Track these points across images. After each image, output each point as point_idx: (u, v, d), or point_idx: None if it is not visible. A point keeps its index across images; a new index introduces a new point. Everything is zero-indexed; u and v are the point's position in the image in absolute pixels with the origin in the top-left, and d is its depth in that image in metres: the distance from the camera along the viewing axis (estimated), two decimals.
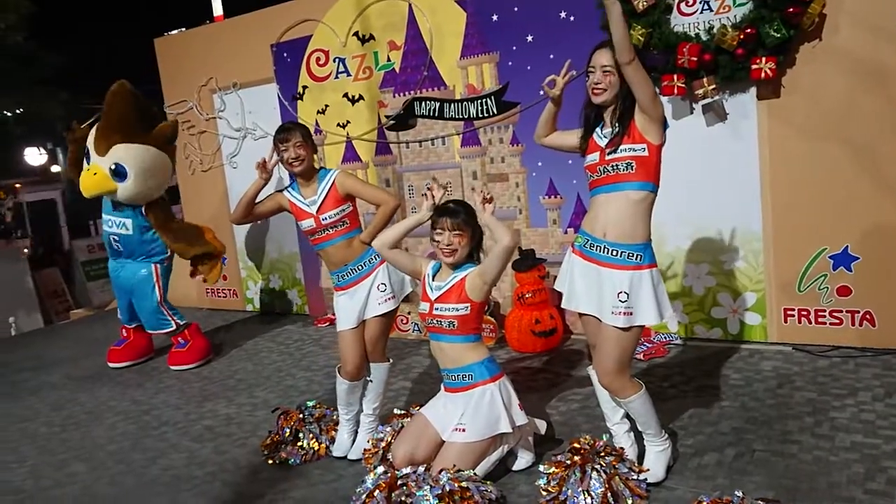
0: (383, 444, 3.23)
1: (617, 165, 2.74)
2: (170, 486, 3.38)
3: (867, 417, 3.26)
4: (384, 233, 3.20)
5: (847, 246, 4.05)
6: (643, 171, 2.73)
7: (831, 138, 3.99)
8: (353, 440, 3.51)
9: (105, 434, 4.15)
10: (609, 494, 2.68)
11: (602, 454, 2.83)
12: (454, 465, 2.84)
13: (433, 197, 3.06)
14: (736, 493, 2.56)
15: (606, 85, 2.74)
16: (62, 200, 17.42)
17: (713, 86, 4.06)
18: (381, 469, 2.92)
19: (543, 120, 3.04)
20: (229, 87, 6.44)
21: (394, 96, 5.54)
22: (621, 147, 2.73)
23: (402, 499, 2.73)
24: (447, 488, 2.69)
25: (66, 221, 17.14)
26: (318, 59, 5.87)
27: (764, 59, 3.90)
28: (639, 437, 2.99)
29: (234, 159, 6.60)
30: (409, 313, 5.35)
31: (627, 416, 2.98)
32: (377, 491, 2.76)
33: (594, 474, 2.73)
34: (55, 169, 19.43)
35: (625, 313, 2.75)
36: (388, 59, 5.51)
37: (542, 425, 3.26)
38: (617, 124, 2.76)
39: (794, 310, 4.26)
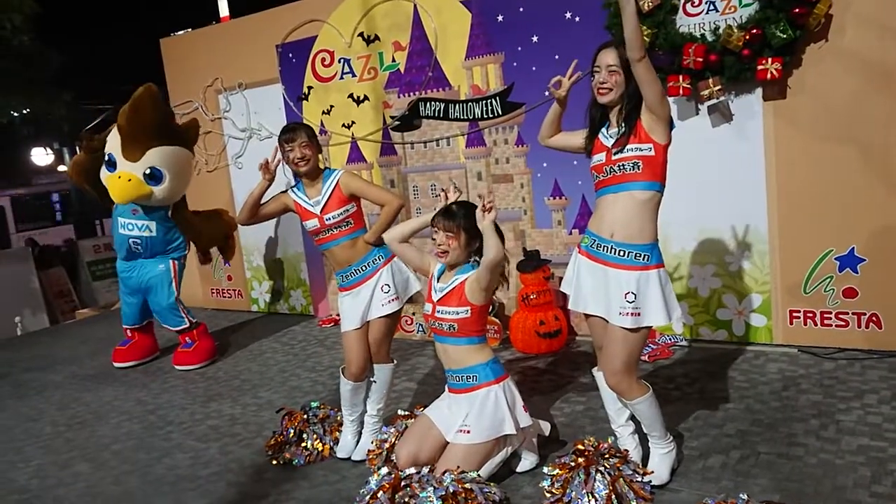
0: (387, 445, 3.23)
1: (623, 165, 2.73)
2: (174, 486, 3.39)
3: (873, 420, 3.25)
4: (395, 227, 3.22)
5: (853, 247, 4.03)
6: (650, 171, 2.72)
7: (837, 139, 3.97)
8: (357, 441, 3.51)
9: (110, 434, 4.16)
10: (613, 496, 2.67)
11: (606, 456, 2.82)
12: (458, 467, 2.84)
13: (447, 198, 3.07)
14: (741, 495, 2.55)
15: (612, 84, 2.74)
16: (11, 207, 16.94)
17: (719, 86, 4.05)
18: (384, 470, 2.92)
19: (548, 121, 3.03)
20: (235, 88, 6.46)
21: (399, 97, 5.54)
22: (627, 147, 2.72)
23: (406, 500, 2.73)
24: (451, 490, 2.69)
25: (16, 229, 16.72)
26: (323, 59, 5.88)
27: (770, 60, 3.88)
28: (643, 439, 2.98)
29: (240, 160, 6.61)
30: (413, 314, 5.35)
31: (632, 418, 2.97)
32: (381, 492, 2.76)
33: (598, 476, 2.72)
34: (61, 168, 19.50)
35: (632, 314, 2.74)
36: (393, 60, 5.51)
37: (546, 427, 3.25)
38: (623, 124, 2.76)
39: (799, 312, 4.25)
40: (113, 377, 5.27)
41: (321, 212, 3.41)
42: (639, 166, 2.71)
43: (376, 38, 5.55)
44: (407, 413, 3.45)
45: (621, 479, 2.73)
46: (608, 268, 2.79)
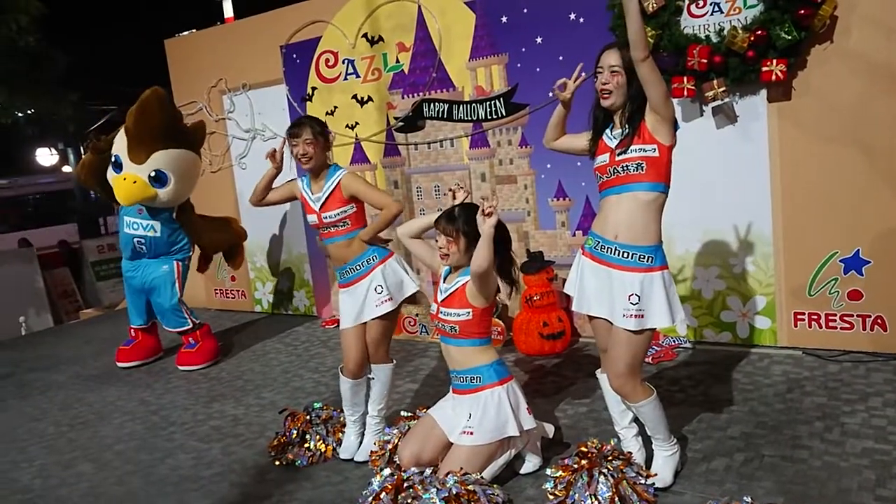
0: (390, 446, 3.23)
1: (627, 166, 2.72)
2: (177, 487, 3.39)
3: (878, 423, 3.23)
4: (409, 223, 3.27)
5: (858, 249, 4.02)
6: (654, 172, 2.71)
7: (842, 141, 3.96)
8: (360, 442, 3.51)
9: (113, 434, 4.16)
10: (617, 499, 2.66)
11: (610, 458, 2.81)
12: (461, 468, 2.84)
13: (454, 198, 3.08)
14: (745, 498, 2.54)
15: (614, 86, 2.73)
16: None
17: (723, 88, 4.04)
18: (387, 471, 2.91)
19: (553, 123, 3.02)
20: (239, 89, 6.47)
21: (402, 98, 5.54)
22: (631, 148, 2.72)
23: (409, 501, 2.72)
24: (454, 491, 2.69)
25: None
26: (327, 60, 5.88)
27: (774, 62, 3.87)
28: (647, 442, 2.97)
29: (243, 160, 6.62)
30: (416, 315, 5.34)
31: (636, 420, 2.96)
32: (383, 493, 2.76)
33: (602, 478, 2.71)
34: (66, 169, 19.54)
35: (636, 316, 2.73)
36: (397, 61, 5.51)
37: (549, 429, 3.24)
38: (627, 125, 2.75)
39: (804, 314, 4.23)
40: (116, 377, 5.28)
41: (320, 209, 3.43)
42: (642, 167, 2.70)
43: (380, 38, 5.55)
44: (410, 414, 3.45)
45: (625, 481, 2.72)
46: (612, 269, 2.78)
